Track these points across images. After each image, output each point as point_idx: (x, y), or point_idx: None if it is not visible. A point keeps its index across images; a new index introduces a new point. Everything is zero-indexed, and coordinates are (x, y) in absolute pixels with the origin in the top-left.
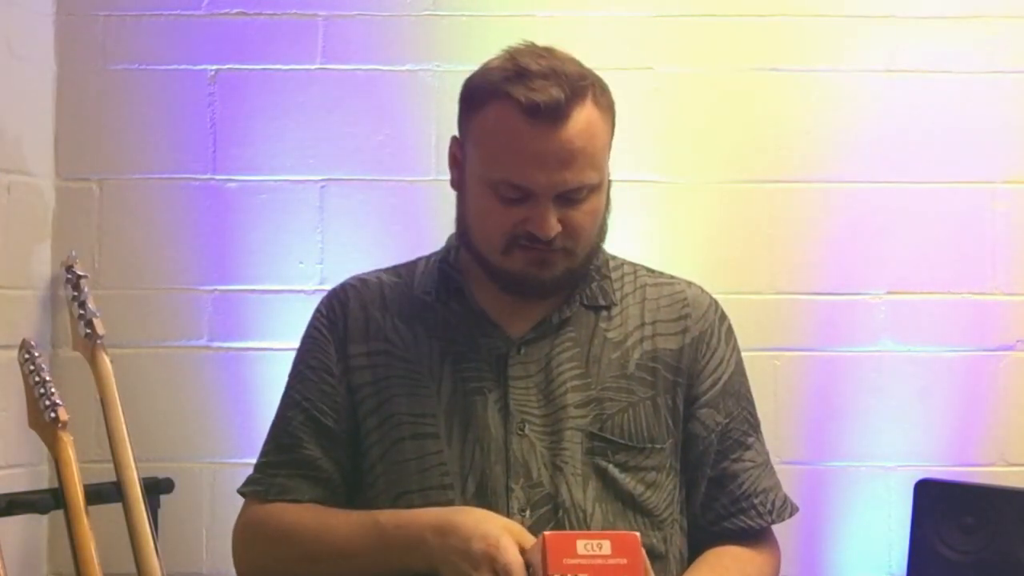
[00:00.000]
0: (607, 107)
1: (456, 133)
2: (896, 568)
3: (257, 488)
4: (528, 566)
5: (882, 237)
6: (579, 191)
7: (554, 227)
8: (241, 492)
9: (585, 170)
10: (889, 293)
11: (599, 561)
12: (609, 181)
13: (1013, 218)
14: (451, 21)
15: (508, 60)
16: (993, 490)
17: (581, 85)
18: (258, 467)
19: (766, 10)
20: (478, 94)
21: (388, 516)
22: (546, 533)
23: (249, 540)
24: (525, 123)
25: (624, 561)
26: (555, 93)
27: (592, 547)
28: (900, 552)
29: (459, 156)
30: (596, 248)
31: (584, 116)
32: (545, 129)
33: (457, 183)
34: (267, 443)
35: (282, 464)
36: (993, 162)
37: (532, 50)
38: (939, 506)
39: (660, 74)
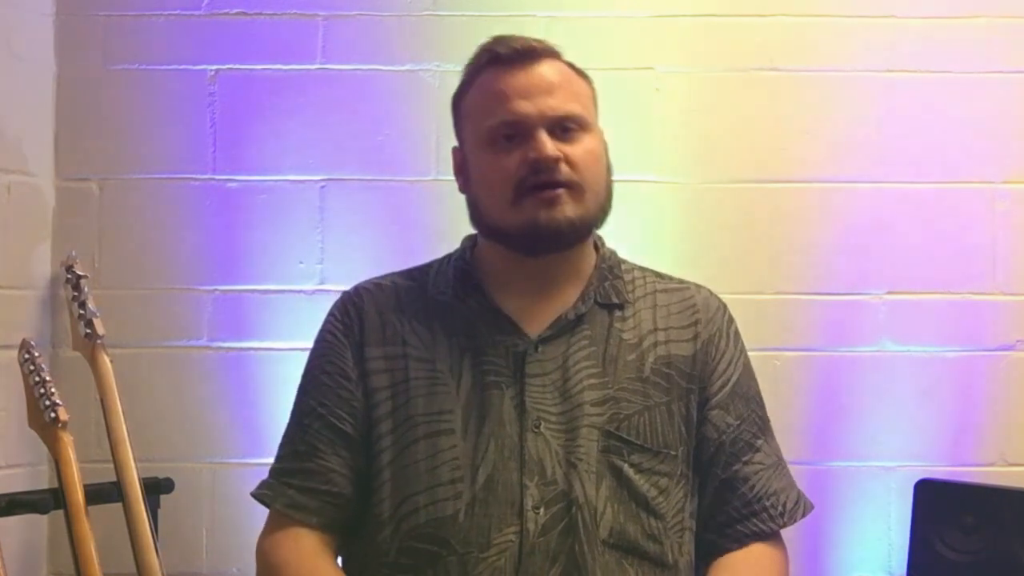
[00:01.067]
0: (585, 77)
1: (455, 144)
2: (896, 568)
3: (267, 493)
4: None
5: (882, 237)
6: (568, 121)
7: (552, 149)
8: (253, 495)
9: (569, 102)
10: (889, 293)
11: None
12: (605, 144)
13: (1013, 218)
14: (451, 21)
15: (487, 40)
16: (993, 490)
17: (554, 50)
18: (272, 472)
19: (766, 10)
20: (464, 84)
21: None
22: None
23: (263, 566)
24: (503, 71)
25: None
26: (528, 43)
27: None
28: (900, 552)
29: (460, 159)
30: (604, 207)
31: (557, 65)
32: (521, 68)
33: (464, 183)
34: (282, 448)
35: (296, 472)
36: (993, 162)
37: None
38: (939, 506)
39: (660, 74)
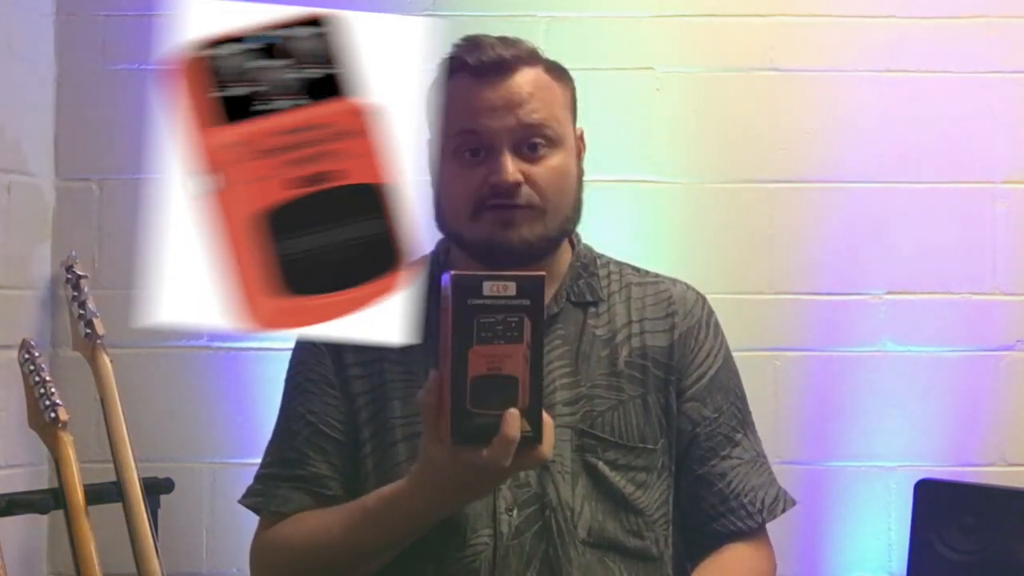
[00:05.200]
0: (562, 78)
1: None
2: (896, 568)
3: (258, 499)
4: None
5: (882, 237)
6: (534, 138)
7: (513, 173)
8: (243, 503)
9: (537, 114)
10: (889, 293)
11: None
12: (579, 149)
13: (1013, 218)
14: (451, 21)
15: (460, 40)
16: (993, 490)
17: (532, 53)
18: (259, 478)
19: (766, 10)
20: (438, 82)
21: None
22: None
23: (267, 566)
24: (474, 81)
25: None
26: (502, 52)
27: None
28: (900, 552)
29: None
30: (569, 220)
31: (533, 74)
32: (492, 81)
33: (432, 179)
34: (269, 455)
35: (286, 479)
36: (993, 162)
37: (488, 35)
38: (939, 506)
39: (660, 74)
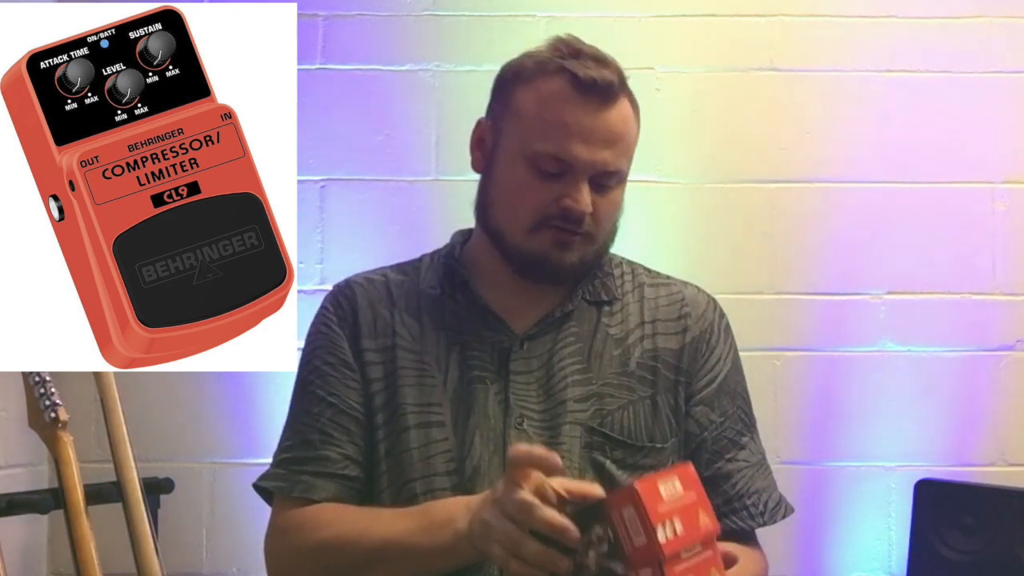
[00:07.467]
0: (637, 110)
1: (483, 117)
2: (896, 568)
3: (281, 484)
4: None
5: (882, 237)
6: (612, 177)
7: (586, 204)
8: (261, 486)
9: (621, 157)
10: (889, 293)
11: (679, 503)
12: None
13: (1013, 218)
14: (451, 21)
15: (558, 42)
16: (993, 490)
17: (623, 78)
18: (280, 463)
19: (766, 10)
20: (524, 72)
21: (426, 505)
22: (635, 484)
23: (284, 549)
24: (578, 97)
25: (693, 495)
26: (608, 75)
27: (669, 488)
28: (900, 552)
29: (486, 138)
30: (609, 243)
31: (626, 106)
32: (597, 106)
33: (483, 164)
34: (289, 439)
35: (310, 460)
36: (993, 162)
37: (579, 39)
38: (939, 506)
39: (660, 74)
